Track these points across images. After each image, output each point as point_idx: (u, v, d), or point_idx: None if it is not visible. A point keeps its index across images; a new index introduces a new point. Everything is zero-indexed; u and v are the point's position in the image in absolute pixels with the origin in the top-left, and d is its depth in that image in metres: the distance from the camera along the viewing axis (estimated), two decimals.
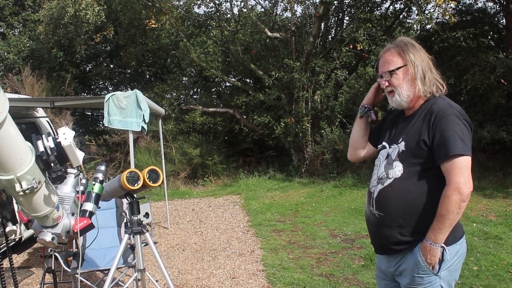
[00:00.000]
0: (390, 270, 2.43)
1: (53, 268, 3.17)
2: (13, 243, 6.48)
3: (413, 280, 2.28)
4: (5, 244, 5.98)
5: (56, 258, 4.27)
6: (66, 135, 1.63)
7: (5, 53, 15.33)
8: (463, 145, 2.13)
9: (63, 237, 1.87)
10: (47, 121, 8.17)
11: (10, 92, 12.01)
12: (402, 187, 2.26)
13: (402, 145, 2.30)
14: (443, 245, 2.16)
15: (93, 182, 2.16)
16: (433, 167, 2.21)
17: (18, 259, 6.84)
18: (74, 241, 5.16)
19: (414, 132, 2.27)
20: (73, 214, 1.91)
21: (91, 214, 2.03)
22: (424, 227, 2.22)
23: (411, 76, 2.30)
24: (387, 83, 2.36)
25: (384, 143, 2.46)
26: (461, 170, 2.12)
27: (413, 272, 2.27)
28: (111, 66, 18.26)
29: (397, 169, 2.28)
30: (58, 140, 1.62)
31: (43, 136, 1.61)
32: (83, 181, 2.04)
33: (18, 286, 1.95)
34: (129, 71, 18.20)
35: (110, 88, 18.57)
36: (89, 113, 13.09)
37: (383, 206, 2.33)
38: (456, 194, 2.09)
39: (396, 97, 2.34)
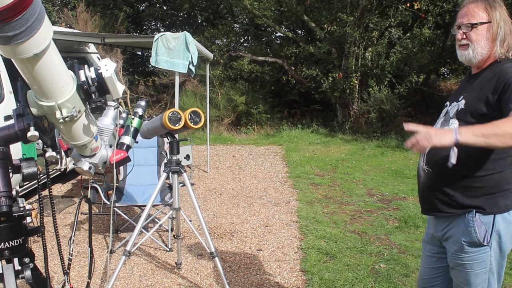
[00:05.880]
0: (437, 234, 2.35)
1: (89, 197, 3.27)
2: (58, 173, 6.74)
3: (462, 248, 2.18)
4: (51, 172, 6.23)
5: (96, 190, 4.41)
6: (108, 67, 1.63)
7: None
8: None
9: (100, 167, 1.92)
10: (97, 57, 8.31)
11: (64, 27, 12.22)
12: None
13: (462, 103, 2.17)
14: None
15: (132, 117, 2.19)
16: None
17: (63, 188, 7.14)
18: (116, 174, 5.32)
19: (477, 92, 2.13)
20: (111, 146, 1.95)
21: (128, 147, 2.05)
22: (475, 190, 2.14)
23: (492, 35, 2.13)
24: (464, 36, 2.19)
25: (447, 102, 2.34)
26: None
27: (462, 240, 2.18)
28: (164, 7, 18.25)
29: (452, 127, 2.14)
30: (99, 71, 1.63)
31: (85, 66, 1.62)
32: (123, 114, 2.07)
33: (55, 213, 2.02)
34: (181, 14, 18.16)
35: (162, 30, 18.60)
36: (139, 53, 13.22)
37: (433, 161, 2.24)
38: None
39: (469, 51, 2.17)
